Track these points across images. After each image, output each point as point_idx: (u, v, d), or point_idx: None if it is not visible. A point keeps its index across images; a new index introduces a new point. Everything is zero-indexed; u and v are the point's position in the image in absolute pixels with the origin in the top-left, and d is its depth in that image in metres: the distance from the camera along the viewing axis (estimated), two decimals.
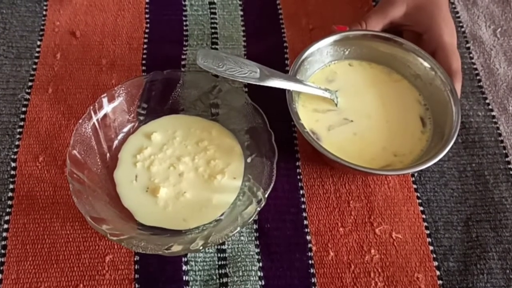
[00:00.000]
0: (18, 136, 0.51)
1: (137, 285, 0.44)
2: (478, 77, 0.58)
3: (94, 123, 0.47)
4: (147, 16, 0.61)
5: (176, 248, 0.40)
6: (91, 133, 0.47)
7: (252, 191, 0.45)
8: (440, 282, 0.45)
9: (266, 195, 0.44)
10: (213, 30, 0.60)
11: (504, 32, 0.62)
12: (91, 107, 0.47)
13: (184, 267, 0.45)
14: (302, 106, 0.51)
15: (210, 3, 0.63)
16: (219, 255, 0.46)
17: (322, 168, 0.51)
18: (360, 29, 0.54)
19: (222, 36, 0.60)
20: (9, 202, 0.47)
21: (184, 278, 0.44)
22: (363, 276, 0.45)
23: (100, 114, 0.48)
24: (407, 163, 0.48)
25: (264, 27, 0.61)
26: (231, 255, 0.46)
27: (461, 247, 0.47)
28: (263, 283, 0.44)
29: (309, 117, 0.50)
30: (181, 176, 0.47)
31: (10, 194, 0.47)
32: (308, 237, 0.47)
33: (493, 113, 0.56)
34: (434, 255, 0.47)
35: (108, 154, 0.48)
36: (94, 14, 0.60)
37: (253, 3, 0.63)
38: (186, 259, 0.45)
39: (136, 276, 0.44)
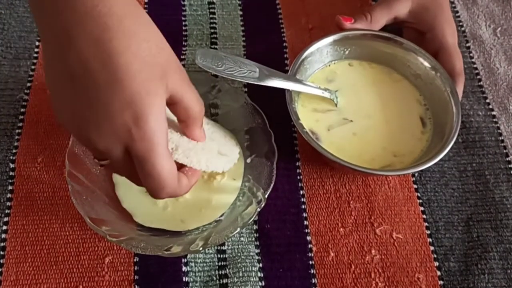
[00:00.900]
0: (16, 137, 0.51)
1: (136, 286, 0.44)
2: (478, 77, 0.58)
3: None
4: None
5: (176, 249, 0.40)
6: None
7: (252, 191, 0.45)
8: (441, 282, 0.45)
9: (266, 196, 0.44)
10: (212, 30, 0.60)
11: (504, 31, 0.62)
12: None
13: (184, 268, 0.45)
14: (301, 106, 0.51)
15: (209, 3, 0.63)
16: (219, 256, 0.46)
17: (322, 168, 0.51)
18: (360, 28, 0.53)
19: (222, 36, 0.60)
20: (8, 203, 0.47)
21: (184, 279, 0.44)
22: (364, 277, 0.45)
23: None
24: (407, 163, 0.48)
25: (263, 27, 0.61)
26: (231, 256, 0.45)
27: (462, 247, 0.47)
28: (263, 283, 0.44)
29: (308, 117, 0.50)
30: None
31: (9, 195, 0.47)
32: (309, 238, 0.47)
33: (494, 113, 0.55)
34: (435, 255, 0.47)
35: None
36: None
37: (252, 2, 0.63)
38: (186, 260, 0.45)
39: (136, 277, 0.44)
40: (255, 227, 0.47)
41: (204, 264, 0.45)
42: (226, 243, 0.46)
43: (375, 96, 0.53)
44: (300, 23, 0.62)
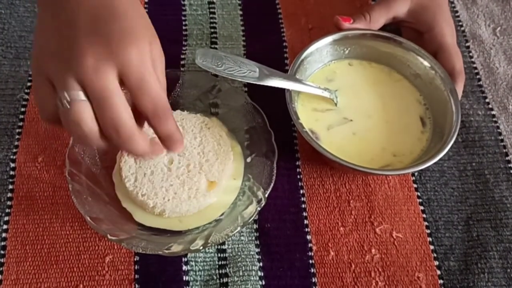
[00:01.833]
0: (17, 136, 0.51)
1: (137, 286, 0.44)
2: (478, 76, 0.58)
3: None
4: None
5: (176, 248, 0.40)
6: None
7: (252, 190, 0.45)
8: (441, 281, 0.45)
9: (266, 195, 0.44)
10: (212, 30, 0.60)
11: (504, 31, 0.62)
12: None
13: (184, 267, 0.45)
14: (301, 106, 0.51)
15: (209, 3, 0.63)
16: (219, 255, 0.46)
17: (322, 167, 0.51)
18: (360, 28, 0.53)
19: (222, 36, 0.60)
20: (9, 203, 0.47)
21: (184, 278, 0.44)
22: (364, 276, 0.45)
23: None
24: (406, 163, 0.48)
25: (263, 27, 0.61)
26: (231, 255, 0.46)
27: (462, 246, 0.47)
28: (263, 283, 0.44)
29: (308, 117, 0.50)
30: None
31: (9, 194, 0.47)
32: (309, 237, 0.47)
33: (493, 112, 0.56)
34: (435, 255, 0.47)
35: (107, 154, 0.48)
36: None
37: (252, 2, 0.63)
38: (186, 259, 0.45)
39: (136, 276, 0.44)
40: (255, 226, 0.47)
41: (205, 263, 0.45)
42: (226, 242, 0.46)
43: (375, 95, 0.53)
44: (300, 23, 0.62)
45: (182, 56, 0.57)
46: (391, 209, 0.49)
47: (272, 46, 0.59)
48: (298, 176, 0.50)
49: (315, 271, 0.45)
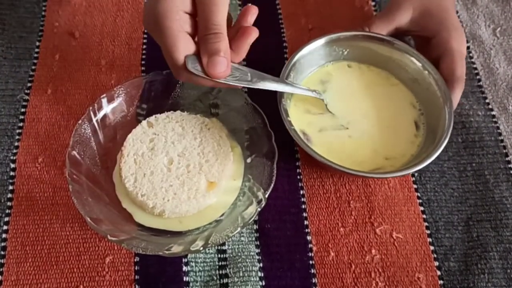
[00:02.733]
0: (17, 137, 0.51)
1: (137, 286, 0.44)
2: (478, 77, 0.58)
3: (93, 123, 0.47)
4: None
5: (176, 249, 0.40)
6: (90, 134, 0.47)
7: (252, 191, 0.45)
8: (441, 282, 0.45)
9: (267, 196, 0.44)
10: None
11: (504, 32, 0.62)
12: (91, 108, 0.47)
13: (184, 268, 0.45)
14: (294, 106, 0.51)
15: None
16: (219, 255, 0.46)
17: (322, 168, 0.51)
18: (354, 29, 0.53)
19: None
20: (9, 203, 0.47)
21: (184, 279, 0.44)
22: (364, 276, 0.45)
23: (100, 115, 0.48)
24: (398, 166, 0.48)
25: (263, 27, 0.61)
26: (231, 255, 0.46)
27: (462, 247, 0.47)
28: (263, 283, 0.44)
29: (300, 118, 0.50)
30: None
31: (9, 195, 0.47)
32: (309, 237, 0.47)
33: (493, 113, 0.56)
34: (435, 255, 0.47)
35: (107, 155, 0.48)
36: (93, 14, 0.60)
37: (252, 2, 0.63)
38: (186, 260, 0.45)
39: (136, 277, 0.44)
40: (255, 227, 0.47)
41: (205, 264, 0.45)
42: (226, 243, 0.46)
43: (369, 99, 0.52)
44: (300, 23, 0.62)
45: None
46: (391, 210, 0.49)
47: (272, 46, 0.59)
48: (298, 177, 0.50)
49: (315, 271, 0.45)
